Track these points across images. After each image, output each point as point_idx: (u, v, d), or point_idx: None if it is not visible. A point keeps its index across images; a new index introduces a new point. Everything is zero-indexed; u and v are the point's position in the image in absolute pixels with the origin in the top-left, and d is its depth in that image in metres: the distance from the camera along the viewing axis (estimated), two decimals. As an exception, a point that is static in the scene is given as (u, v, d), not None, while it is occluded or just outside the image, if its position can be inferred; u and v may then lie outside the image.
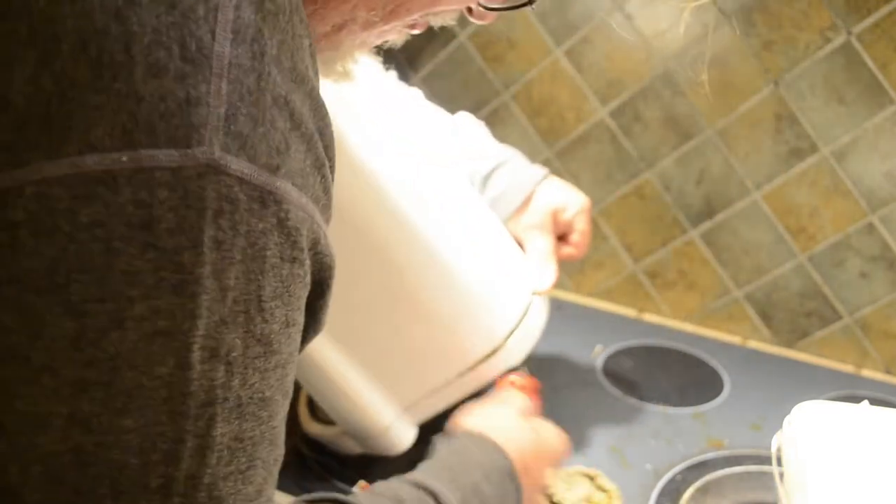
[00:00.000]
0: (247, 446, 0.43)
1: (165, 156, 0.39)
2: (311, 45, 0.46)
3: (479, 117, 1.26)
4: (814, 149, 1.11)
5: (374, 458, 0.85)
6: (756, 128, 1.13)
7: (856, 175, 1.10)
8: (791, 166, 1.13)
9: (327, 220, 0.48)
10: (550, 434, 0.76)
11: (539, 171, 0.95)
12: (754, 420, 1.02)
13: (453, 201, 0.83)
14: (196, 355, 0.40)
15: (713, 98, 1.14)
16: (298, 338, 0.47)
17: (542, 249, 0.91)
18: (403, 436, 0.83)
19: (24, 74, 0.38)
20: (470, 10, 0.58)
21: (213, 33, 0.40)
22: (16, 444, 0.40)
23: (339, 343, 0.78)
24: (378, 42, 0.57)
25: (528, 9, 0.60)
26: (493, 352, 0.81)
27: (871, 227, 1.12)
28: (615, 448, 0.95)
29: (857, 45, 1.04)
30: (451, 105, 1.23)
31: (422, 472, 0.65)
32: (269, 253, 0.42)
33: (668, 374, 1.12)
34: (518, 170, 0.94)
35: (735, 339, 1.24)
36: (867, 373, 1.17)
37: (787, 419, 0.77)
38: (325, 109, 0.47)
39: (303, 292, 0.46)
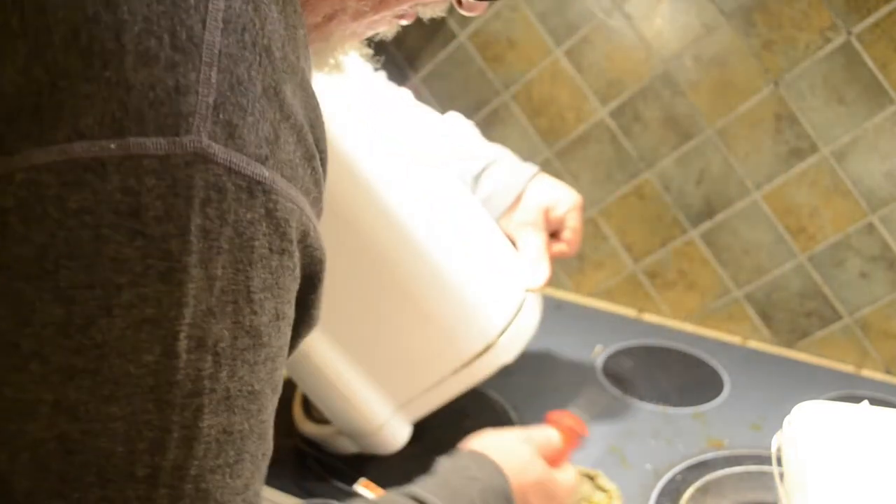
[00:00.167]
0: (235, 439, 0.43)
1: (154, 143, 0.39)
2: (304, 35, 0.46)
3: (479, 117, 1.26)
4: (814, 149, 1.11)
5: (373, 457, 0.85)
6: (756, 128, 1.13)
7: (856, 175, 1.10)
8: (791, 166, 1.13)
9: (318, 214, 0.48)
10: (561, 480, 0.77)
11: (530, 168, 0.95)
12: (754, 420, 1.02)
13: (444, 200, 0.84)
14: (183, 344, 0.40)
15: (713, 98, 1.14)
16: (289, 331, 0.47)
17: (535, 247, 0.91)
18: (398, 434, 0.83)
19: (15, 66, 0.39)
20: (460, 1, 0.58)
21: (203, 22, 0.40)
22: (4, 431, 0.40)
23: (332, 340, 0.78)
24: (368, 33, 0.57)
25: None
26: (486, 349, 0.81)
27: (871, 227, 1.12)
28: (615, 448, 0.95)
29: (857, 45, 1.04)
30: (452, 105, 1.23)
31: (420, 486, 0.65)
32: (257, 243, 0.42)
33: (668, 374, 1.12)
34: (509, 168, 0.95)
35: (735, 339, 1.24)
36: (867, 373, 1.17)
37: (787, 419, 0.77)
38: (317, 101, 0.47)
39: (292, 285, 0.46)
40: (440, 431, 0.85)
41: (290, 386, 0.87)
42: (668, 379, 1.11)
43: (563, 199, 0.94)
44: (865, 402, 0.77)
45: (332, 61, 0.56)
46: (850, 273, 1.15)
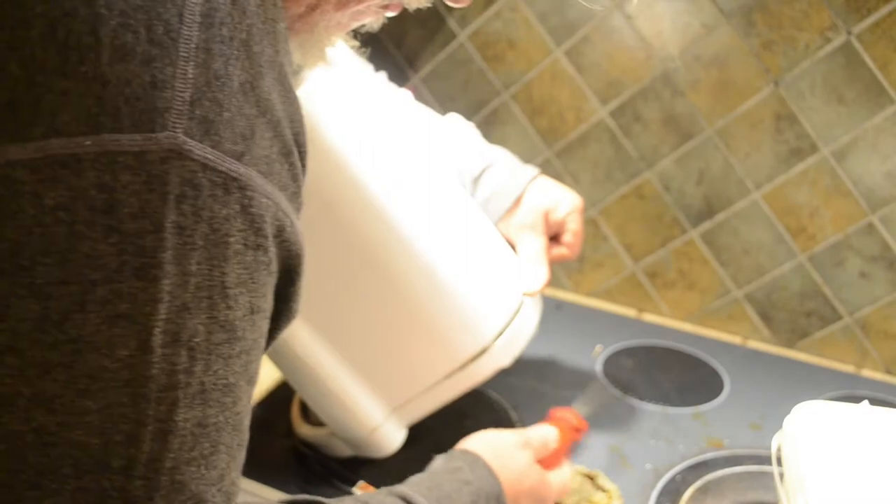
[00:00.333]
0: (210, 432, 0.44)
1: (129, 140, 0.39)
2: (284, 29, 0.46)
3: (479, 117, 1.26)
4: (814, 149, 1.11)
5: (373, 459, 0.85)
6: (756, 128, 1.13)
7: (856, 175, 1.10)
8: (791, 166, 1.13)
9: (297, 209, 0.48)
10: (555, 483, 0.77)
11: (529, 171, 0.94)
12: (754, 420, 1.02)
13: (442, 201, 0.83)
14: (157, 339, 0.40)
15: (713, 98, 1.14)
16: (264, 325, 0.47)
17: (534, 250, 0.90)
18: (392, 437, 0.83)
19: None
20: None
21: (181, 16, 0.40)
22: None
23: (326, 343, 0.78)
24: (354, 25, 0.57)
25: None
26: (482, 352, 0.81)
27: (871, 227, 1.12)
28: (615, 448, 0.95)
29: (857, 45, 1.04)
30: (452, 105, 1.24)
31: (409, 485, 0.65)
32: (231, 239, 0.42)
33: (668, 374, 1.12)
34: (508, 170, 0.93)
35: (735, 339, 1.24)
36: (867, 373, 1.17)
37: (787, 419, 0.77)
38: (296, 95, 0.47)
39: (268, 279, 0.46)
40: (440, 432, 0.85)
41: (290, 388, 0.87)
42: (668, 379, 1.11)
43: (563, 201, 0.93)
44: (865, 402, 0.77)
45: (317, 53, 0.56)
46: (850, 273, 1.15)
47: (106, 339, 0.40)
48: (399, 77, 1.28)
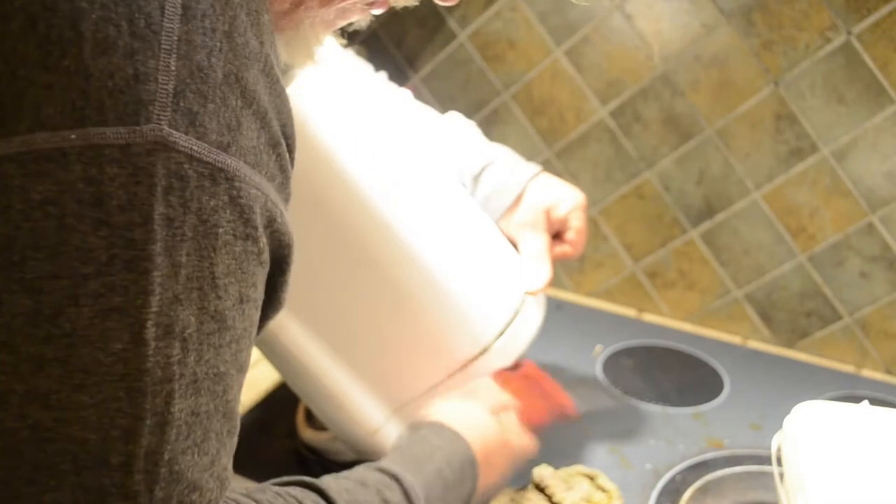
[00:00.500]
0: (202, 420, 0.44)
1: (114, 133, 0.39)
2: (268, 20, 0.46)
3: (479, 117, 1.26)
4: (814, 149, 1.11)
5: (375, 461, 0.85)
6: (756, 128, 1.13)
7: (856, 175, 1.10)
8: (791, 166, 1.13)
9: (286, 199, 0.48)
10: (516, 430, 0.78)
11: (531, 168, 0.93)
12: (754, 420, 1.02)
13: (441, 200, 0.83)
14: (150, 332, 0.40)
15: (713, 98, 1.14)
16: (254, 314, 0.47)
17: (536, 248, 0.89)
18: (393, 439, 0.82)
19: None
20: None
21: (162, 9, 0.40)
22: None
23: (325, 344, 0.77)
24: (341, 22, 0.57)
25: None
26: (483, 352, 0.80)
27: (871, 227, 1.12)
28: (615, 448, 0.95)
29: (857, 45, 1.04)
30: (452, 105, 1.24)
31: (386, 460, 0.66)
32: (220, 230, 0.42)
33: (668, 374, 1.12)
34: (509, 168, 0.92)
35: (735, 339, 1.24)
36: (867, 373, 1.17)
37: (787, 419, 0.77)
38: (282, 86, 0.47)
39: (258, 269, 0.46)
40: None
41: (290, 390, 0.87)
42: (668, 379, 1.11)
43: (565, 198, 0.91)
44: (865, 402, 0.77)
45: (304, 50, 0.56)
46: (850, 273, 1.15)
47: (99, 333, 0.40)
48: (399, 77, 1.28)
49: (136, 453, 0.41)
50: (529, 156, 1.00)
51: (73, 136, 0.38)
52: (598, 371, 1.11)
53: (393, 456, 0.67)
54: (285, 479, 0.57)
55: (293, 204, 0.50)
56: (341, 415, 0.80)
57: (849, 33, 1.04)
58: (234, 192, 0.42)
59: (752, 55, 1.10)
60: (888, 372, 1.17)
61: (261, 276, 0.47)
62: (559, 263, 1.29)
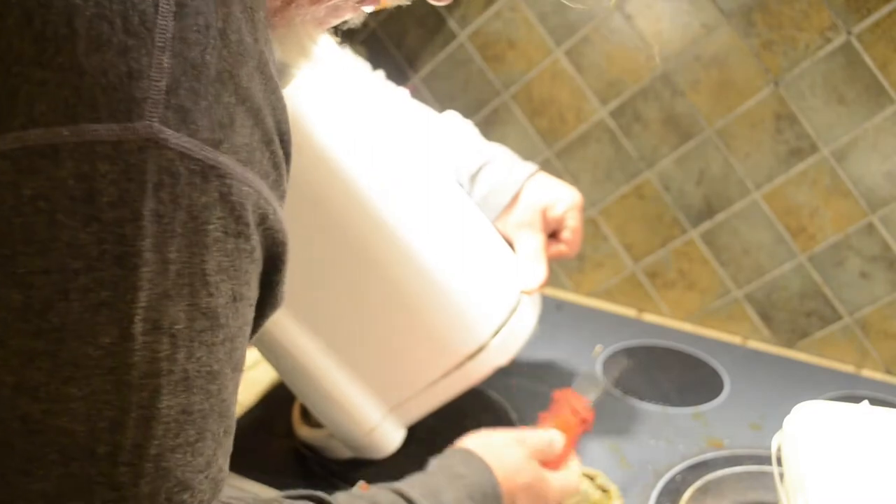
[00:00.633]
0: (196, 419, 0.44)
1: (106, 129, 0.39)
2: (263, 17, 0.46)
3: (479, 117, 1.26)
4: (814, 149, 1.11)
5: (373, 460, 0.85)
6: (756, 128, 1.13)
7: (856, 175, 1.10)
8: (791, 166, 1.13)
9: (280, 197, 0.48)
10: (556, 482, 0.76)
11: (527, 167, 0.93)
12: (754, 420, 1.02)
13: (438, 199, 0.83)
14: (138, 327, 0.41)
15: (713, 98, 1.14)
16: (248, 312, 0.47)
17: (532, 247, 0.89)
18: (390, 437, 0.82)
19: None
20: None
21: (156, 6, 0.40)
22: None
23: (321, 342, 0.77)
24: (333, 20, 0.57)
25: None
26: (479, 350, 0.80)
27: (871, 227, 1.12)
28: (615, 448, 0.95)
29: (857, 45, 1.04)
30: (452, 105, 1.24)
31: (405, 482, 0.65)
32: (211, 227, 0.42)
33: (668, 374, 1.12)
34: (506, 167, 0.92)
35: (735, 339, 1.24)
36: (867, 373, 1.17)
37: (787, 419, 0.77)
38: (277, 83, 0.47)
39: (251, 267, 0.46)
40: (440, 433, 0.85)
41: (290, 392, 0.87)
42: (668, 379, 1.11)
43: (561, 198, 0.92)
44: (865, 402, 0.77)
45: (297, 48, 0.56)
46: (850, 273, 1.15)
47: (88, 327, 0.40)
48: (399, 77, 1.28)
49: (121, 444, 0.41)
50: (529, 156, 1.00)
51: (66, 133, 0.39)
52: (598, 371, 1.11)
53: (413, 479, 0.66)
54: (298, 492, 0.57)
55: (290, 204, 0.50)
56: (338, 413, 0.80)
57: (849, 33, 1.04)
58: (225, 189, 0.42)
59: (752, 55, 1.10)
60: (888, 372, 1.17)
61: (254, 273, 0.47)
62: (559, 264, 1.29)
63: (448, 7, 1.07)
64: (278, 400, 0.97)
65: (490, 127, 1.26)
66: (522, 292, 0.86)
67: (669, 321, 1.26)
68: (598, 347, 1.16)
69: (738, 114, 1.13)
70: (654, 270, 1.26)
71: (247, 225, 0.44)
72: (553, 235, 0.93)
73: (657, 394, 1.07)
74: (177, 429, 0.43)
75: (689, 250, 1.23)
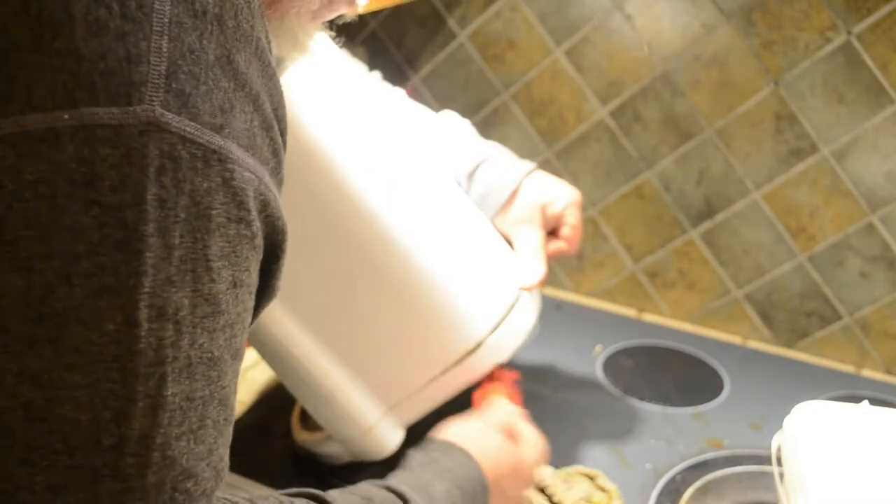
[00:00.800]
0: (197, 406, 0.44)
1: (106, 113, 0.39)
2: (259, 5, 0.46)
3: (478, 117, 1.26)
4: (814, 149, 1.11)
5: (373, 461, 0.85)
6: (756, 128, 1.13)
7: (856, 175, 1.10)
8: (791, 166, 1.13)
9: (279, 184, 0.48)
10: (529, 457, 0.75)
11: (525, 165, 0.93)
12: (754, 420, 1.02)
13: (435, 197, 0.83)
14: (143, 313, 0.40)
15: (713, 98, 1.14)
16: (248, 299, 0.47)
17: (531, 245, 0.89)
18: (389, 437, 0.81)
19: None
20: None
21: None
22: None
23: (318, 340, 0.77)
24: (328, 14, 0.57)
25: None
26: (477, 347, 0.80)
27: (871, 227, 1.12)
28: (615, 448, 0.95)
29: (857, 45, 1.04)
30: (452, 105, 1.24)
31: (393, 478, 0.65)
32: (214, 212, 0.42)
33: (668, 374, 1.12)
34: (503, 165, 0.92)
35: (735, 339, 1.24)
36: (867, 373, 1.17)
37: (787, 419, 0.77)
38: (274, 71, 0.47)
39: (251, 254, 0.46)
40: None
41: (290, 396, 0.87)
42: (668, 379, 1.11)
43: (560, 195, 0.92)
44: (865, 402, 0.77)
45: (291, 41, 0.56)
46: (850, 273, 1.15)
47: (91, 313, 0.40)
48: (399, 77, 1.28)
49: (127, 435, 0.41)
50: (529, 156, 1.00)
51: (66, 117, 0.39)
52: (598, 371, 1.11)
53: (401, 475, 0.66)
54: (292, 490, 0.57)
55: (287, 201, 0.50)
56: (334, 412, 0.80)
57: (849, 33, 1.04)
58: (227, 174, 0.42)
59: (752, 55, 1.10)
60: (888, 372, 1.17)
61: (254, 260, 0.47)
62: (559, 263, 1.29)
63: (448, 7, 1.06)
64: (277, 401, 0.96)
65: (490, 127, 1.26)
66: (521, 289, 0.85)
67: (669, 321, 1.26)
68: (598, 347, 1.16)
69: (738, 114, 1.13)
70: (654, 270, 1.26)
71: (248, 211, 0.44)
72: (552, 233, 0.93)
73: (657, 394, 1.07)
74: (181, 416, 0.43)
75: (689, 250, 1.23)
